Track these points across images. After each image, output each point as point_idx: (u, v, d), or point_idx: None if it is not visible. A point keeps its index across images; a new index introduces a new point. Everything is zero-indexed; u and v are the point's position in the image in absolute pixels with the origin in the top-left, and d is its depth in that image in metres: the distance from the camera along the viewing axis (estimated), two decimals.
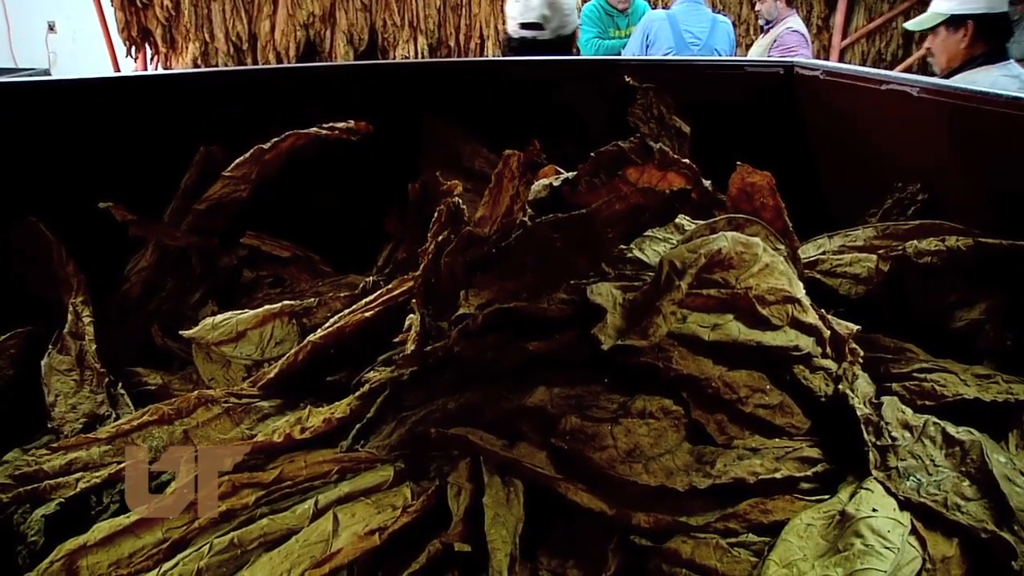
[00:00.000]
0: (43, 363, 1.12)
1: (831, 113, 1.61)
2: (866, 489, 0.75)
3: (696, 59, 3.08)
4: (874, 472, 0.77)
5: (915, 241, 1.05)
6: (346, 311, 1.11)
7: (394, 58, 4.80)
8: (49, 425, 1.05)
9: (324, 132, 1.36)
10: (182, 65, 4.54)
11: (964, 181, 1.29)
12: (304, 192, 1.45)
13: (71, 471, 0.91)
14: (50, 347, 1.15)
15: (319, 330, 1.08)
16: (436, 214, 1.04)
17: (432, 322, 0.93)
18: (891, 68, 5.36)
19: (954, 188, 1.29)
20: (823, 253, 1.21)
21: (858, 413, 0.82)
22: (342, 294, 1.22)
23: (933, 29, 2.60)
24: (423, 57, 4.85)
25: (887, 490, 0.75)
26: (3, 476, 0.90)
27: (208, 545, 0.73)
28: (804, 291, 0.90)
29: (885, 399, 0.87)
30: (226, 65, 4.48)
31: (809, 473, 0.79)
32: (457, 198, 1.06)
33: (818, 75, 1.61)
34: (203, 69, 4.04)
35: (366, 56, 4.79)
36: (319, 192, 1.49)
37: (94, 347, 1.15)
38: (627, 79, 1.62)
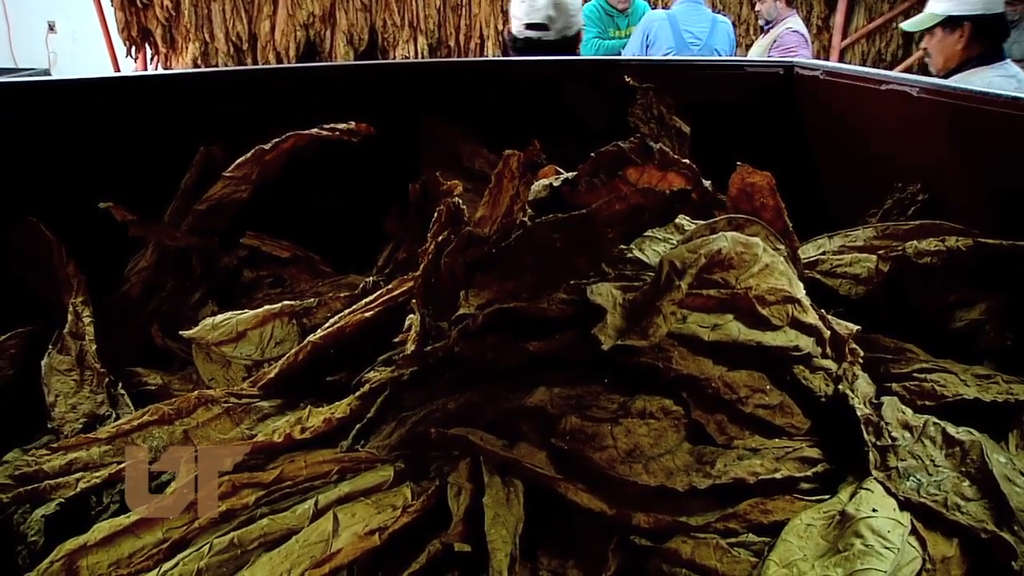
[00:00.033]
0: (43, 363, 1.12)
1: (831, 113, 1.61)
2: (866, 489, 0.75)
3: (696, 59, 3.08)
4: (874, 472, 0.77)
5: (915, 241, 1.05)
6: (346, 311, 1.11)
7: (394, 58, 4.80)
8: (49, 425, 1.05)
9: (325, 133, 1.36)
10: (182, 65, 4.54)
11: (964, 181, 1.29)
12: (304, 192, 1.45)
13: (71, 471, 0.91)
14: (50, 347, 1.15)
15: (319, 330, 1.08)
16: (436, 214, 1.04)
17: (432, 322, 0.93)
18: (891, 68, 5.36)
19: (954, 188, 1.29)
20: (823, 253, 1.21)
21: (858, 413, 0.82)
22: (342, 294, 1.22)
23: (930, 30, 2.60)
24: (423, 57, 4.85)
25: (887, 490, 0.75)
26: (3, 476, 0.90)
27: (208, 545, 0.73)
28: (804, 291, 0.90)
29: (885, 399, 0.87)
30: (226, 65, 4.48)
31: (809, 473, 0.79)
32: (457, 198, 1.06)
33: (818, 75, 1.61)
34: (203, 69, 4.04)
35: (366, 56, 4.79)
36: (319, 192, 1.49)
37: (94, 347, 1.15)
38: (627, 79, 1.62)
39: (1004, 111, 1.15)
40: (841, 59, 5.74)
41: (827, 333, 0.89)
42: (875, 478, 0.76)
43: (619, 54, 3.99)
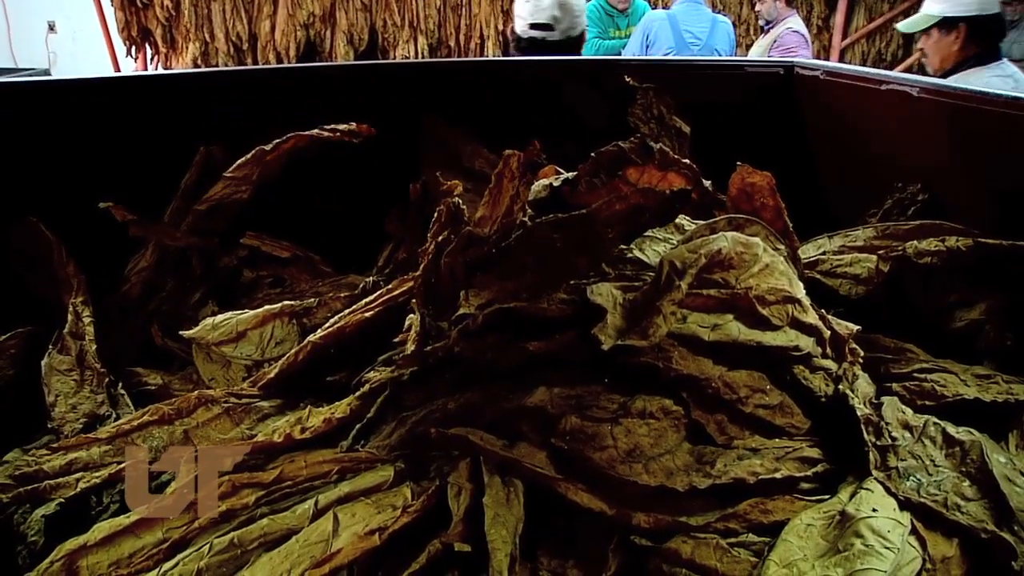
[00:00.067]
0: (43, 363, 1.12)
1: (831, 113, 1.61)
2: (866, 489, 0.75)
3: (696, 59, 3.08)
4: (874, 472, 0.77)
5: (915, 241, 1.05)
6: (346, 311, 1.11)
7: (394, 58, 4.80)
8: (49, 425, 1.05)
9: (326, 134, 1.36)
10: (182, 65, 4.54)
11: (964, 181, 1.29)
12: (304, 192, 1.45)
13: (71, 471, 0.91)
14: (50, 347, 1.15)
15: (319, 330, 1.08)
16: (436, 214, 1.04)
17: (432, 322, 0.93)
18: (891, 68, 5.36)
19: (954, 188, 1.29)
20: (823, 253, 1.21)
21: (858, 413, 0.82)
22: (342, 294, 1.22)
23: (926, 31, 2.60)
24: (423, 57, 4.85)
25: (887, 490, 0.75)
26: (3, 476, 0.90)
27: (208, 545, 0.73)
28: (804, 291, 0.90)
29: (885, 399, 0.87)
30: (226, 65, 4.49)
31: (809, 473, 0.79)
32: (457, 198, 1.06)
33: (818, 75, 1.61)
34: (203, 69, 4.04)
35: (366, 56, 4.79)
36: (319, 192, 1.49)
37: (94, 347, 1.15)
38: (627, 79, 1.62)
39: (1004, 111, 1.15)
40: (841, 59, 5.74)
41: (827, 333, 0.89)
42: (875, 478, 0.76)
43: (619, 54, 3.99)
